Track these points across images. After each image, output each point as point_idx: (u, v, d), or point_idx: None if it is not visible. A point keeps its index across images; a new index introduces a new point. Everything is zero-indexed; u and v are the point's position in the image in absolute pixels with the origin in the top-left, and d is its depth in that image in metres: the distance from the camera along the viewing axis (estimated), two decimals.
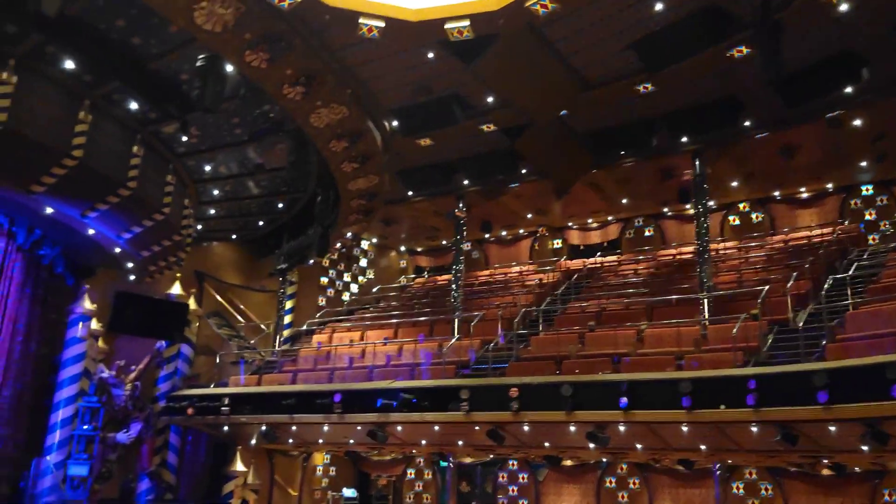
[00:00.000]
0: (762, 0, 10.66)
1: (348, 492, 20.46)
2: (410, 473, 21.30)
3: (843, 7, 10.92)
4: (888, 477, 14.68)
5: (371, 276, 25.17)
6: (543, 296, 19.48)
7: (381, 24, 10.97)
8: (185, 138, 13.84)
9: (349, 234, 20.90)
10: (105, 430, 16.23)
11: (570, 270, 21.67)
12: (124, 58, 11.27)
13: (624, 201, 20.30)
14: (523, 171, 17.63)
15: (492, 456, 18.96)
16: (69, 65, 11.23)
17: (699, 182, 15.67)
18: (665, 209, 21.16)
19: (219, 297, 20.56)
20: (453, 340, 16.60)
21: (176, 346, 18.11)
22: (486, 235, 24.24)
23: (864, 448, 10.09)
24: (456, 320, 17.79)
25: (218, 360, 19.20)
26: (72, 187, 12.44)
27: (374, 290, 24.64)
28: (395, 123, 14.78)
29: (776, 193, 19.66)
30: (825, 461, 14.01)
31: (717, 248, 19.08)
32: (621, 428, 12.13)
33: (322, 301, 23.28)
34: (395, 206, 20.18)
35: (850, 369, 9.95)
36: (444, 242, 24.82)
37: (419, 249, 26.17)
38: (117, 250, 15.41)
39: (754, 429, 10.97)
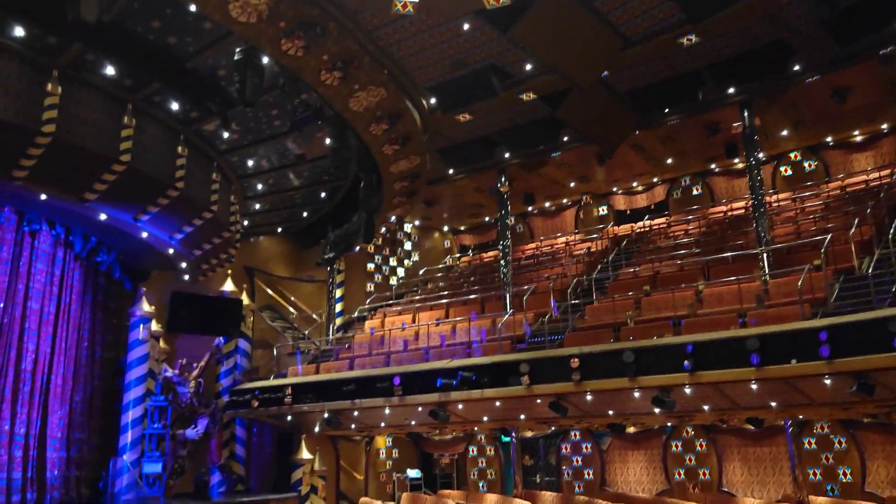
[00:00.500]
0: None
1: (412, 472, 20.66)
2: (472, 451, 21.38)
3: None
4: None
5: (416, 258, 25.20)
6: (593, 264, 19.23)
7: None
8: (226, 135, 13.94)
9: (393, 218, 20.89)
10: (174, 428, 16.64)
11: (619, 236, 21.35)
12: (162, 59, 11.35)
13: (669, 161, 19.84)
14: (565, 139, 17.34)
15: (554, 428, 18.91)
16: (109, 71, 11.36)
17: (749, 133, 15.16)
18: (712, 165, 20.62)
19: (269, 291, 20.84)
20: (507, 316, 16.53)
21: (234, 342, 18.43)
22: (530, 208, 24.03)
23: None
24: (507, 295, 17.70)
25: (275, 353, 19.50)
26: (123, 192, 12.63)
27: (421, 272, 24.68)
28: (433, 101, 14.64)
29: (829, 139, 19.00)
30: None
31: (769, 200, 18.53)
32: (687, 390, 11.91)
33: (370, 287, 23.42)
34: (437, 185, 20.08)
35: None
36: (487, 219, 24.71)
37: (462, 228, 26.10)
38: (170, 251, 15.65)
39: (827, 381, 10.65)
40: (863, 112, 17.02)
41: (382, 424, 17.41)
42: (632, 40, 13.14)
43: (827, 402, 12.11)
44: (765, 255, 14.15)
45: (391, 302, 22.33)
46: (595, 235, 22.09)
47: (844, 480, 15.31)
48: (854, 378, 10.17)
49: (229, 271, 18.41)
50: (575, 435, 19.64)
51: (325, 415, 16.15)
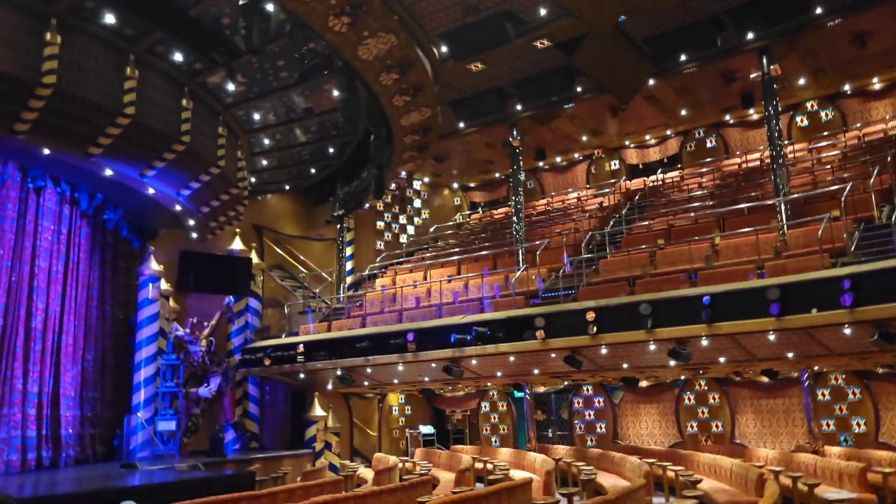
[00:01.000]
0: None
1: (425, 428, 20.77)
2: (485, 406, 21.43)
3: None
4: None
5: (426, 216, 24.98)
6: (606, 219, 18.99)
7: None
8: (231, 87, 13.63)
9: (403, 174, 20.61)
10: (187, 387, 16.70)
11: (631, 191, 21.05)
12: (164, 7, 10.99)
13: (683, 113, 19.42)
14: (578, 89, 16.92)
15: (566, 383, 18.88)
16: (110, 19, 11.03)
17: (767, 81, 14.73)
18: (727, 117, 20.21)
19: (278, 250, 20.70)
20: (520, 271, 16.36)
21: (244, 301, 18.37)
22: (541, 164, 23.70)
23: None
24: (520, 251, 17.51)
25: (286, 311, 19.44)
26: (128, 146, 12.38)
27: (431, 229, 24.49)
28: (444, 49, 14.23)
29: (846, 88, 18.55)
30: None
31: (785, 151, 18.15)
32: (704, 342, 11.81)
33: (380, 245, 23.28)
34: (447, 140, 19.74)
35: None
36: (497, 175, 24.42)
37: (472, 185, 25.83)
38: (178, 208, 15.47)
39: (847, 331, 10.52)
40: (883, 57, 16.60)
41: (395, 381, 17.41)
42: None
43: (845, 352, 11.97)
44: (783, 206, 13.87)
45: (402, 260, 22.20)
46: (607, 190, 21.78)
47: (858, 431, 15.25)
48: (875, 327, 10.05)
49: (237, 230, 18.24)
50: (587, 389, 19.64)
51: (338, 372, 16.15)
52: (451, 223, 25.20)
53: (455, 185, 25.85)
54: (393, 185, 22.51)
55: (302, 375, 17.24)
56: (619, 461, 14.29)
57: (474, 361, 14.42)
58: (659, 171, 21.55)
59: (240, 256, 18.04)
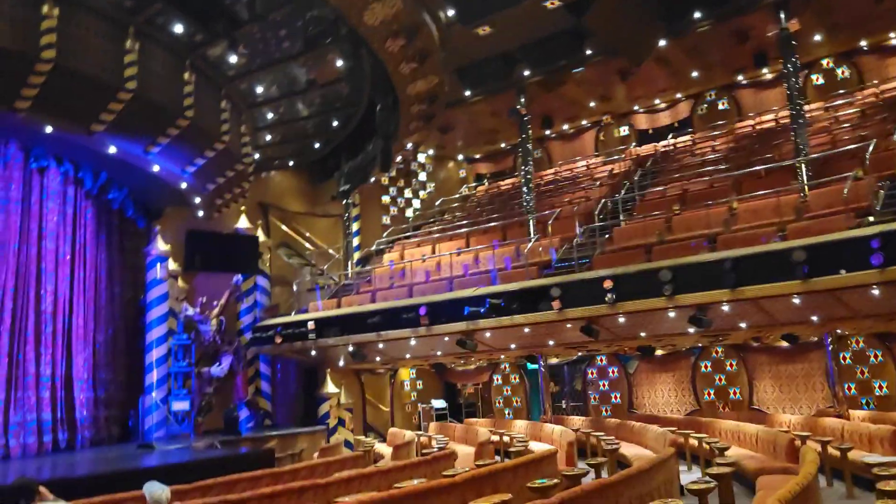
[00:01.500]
0: None
1: (437, 402, 20.66)
2: (497, 379, 21.31)
3: None
4: None
5: (432, 189, 24.65)
6: (617, 187, 18.62)
7: None
8: (234, 59, 13.21)
9: (409, 145, 20.23)
10: (199, 366, 16.53)
11: (642, 157, 20.67)
12: None
13: (694, 75, 19.00)
14: (587, 53, 16.49)
15: (580, 353, 18.70)
16: None
17: (784, 38, 14.30)
18: (739, 77, 19.77)
19: (284, 227, 20.43)
20: (532, 242, 16.06)
21: (252, 279, 18.13)
22: (548, 132, 23.31)
23: None
24: (531, 221, 17.20)
25: (295, 289, 19.22)
26: (131, 122, 12.05)
27: (437, 203, 24.16)
28: (451, 13, 13.80)
29: (863, 44, 18.11)
30: None
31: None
32: (725, 308, 11.54)
33: (386, 220, 23.00)
34: (452, 109, 19.32)
35: None
36: (503, 145, 24.02)
37: (477, 156, 25.45)
38: (183, 186, 15.16)
39: (875, 291, 10.21)
40: None
41: (407, 356, 17.23)
42: None
43: (871, 314, 11.73)
44: (803, 166, 13.53)
45: (409, 234, 21.92)
46: (617, 157, 21.40)
47: (880, 394, 15.08)
48: None
49: (243, 208, 17.95)
50: (601, 360, 19.48)
51: (350, 348, 15.95)
52: (457, 196, 24.86)
53: (460, 157, 25.47)
54: (399, 158, 22.14)
55: (313, 352, 17.06)
56: (639, 430, 14.12)
57: (488, 334, 14.19)
58: (670, 135, 21.15)
59: (246, 234, 17.75)
